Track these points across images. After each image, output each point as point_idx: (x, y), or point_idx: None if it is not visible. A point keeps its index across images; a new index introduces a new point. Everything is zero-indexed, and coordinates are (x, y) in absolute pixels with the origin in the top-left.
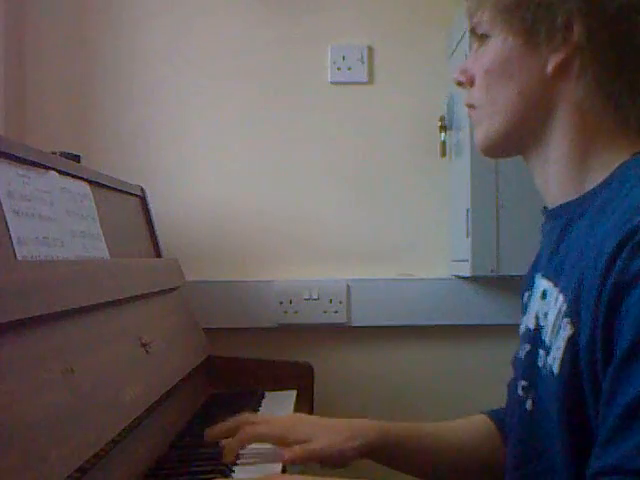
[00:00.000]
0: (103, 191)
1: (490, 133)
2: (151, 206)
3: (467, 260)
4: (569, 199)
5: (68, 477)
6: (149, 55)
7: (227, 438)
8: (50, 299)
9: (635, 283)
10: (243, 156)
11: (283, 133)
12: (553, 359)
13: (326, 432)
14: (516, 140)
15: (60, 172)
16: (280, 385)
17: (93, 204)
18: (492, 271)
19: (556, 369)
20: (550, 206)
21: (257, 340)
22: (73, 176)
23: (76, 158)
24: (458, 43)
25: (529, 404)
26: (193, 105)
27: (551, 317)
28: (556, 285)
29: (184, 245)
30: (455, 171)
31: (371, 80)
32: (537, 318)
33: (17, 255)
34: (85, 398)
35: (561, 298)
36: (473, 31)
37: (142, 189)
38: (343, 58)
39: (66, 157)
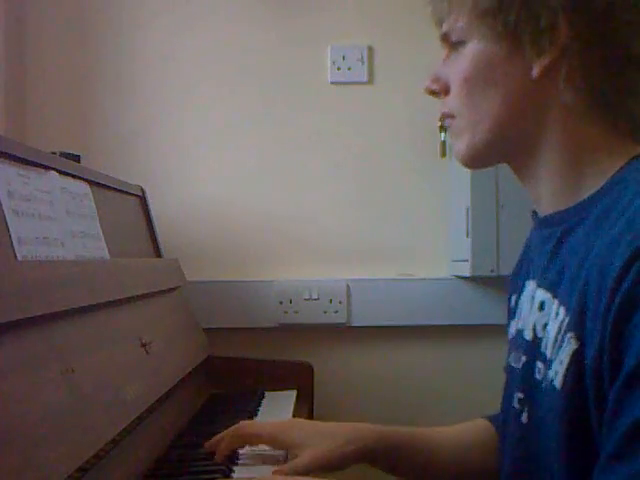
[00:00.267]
0: (103, 191)
1: (473, 143)
2: (151, 206)
3: (467, 260)
4: (564, 206)
5: (68, 477)
6: (149, 55)
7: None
8: (50, 299)
9: None
10: (243, 156)
11: (283, 133)
12: (555, 373)
13: (320, 437)
14: (501, 149)
15: (60, 172)
16: (280, 385)
17: (93, 204)
18: (492, 271)
19: (558, 383)
20: (542, 213)
21: (257, 340)
22: (73, 176)
23: (76, 158)
24: None
25: (525, 417)
26: (193, 105)
27: (552, 330)
28: (555, 296)
29: (184, 245)
30: (455, 171)
31: (371, 80)
32: (534, 329)
33: (17, 255)
34: (85, 398)
35: (562, 311)
36: (445, 37)
37: (142, 189)
38: (343, 58)
39: (66, 157)
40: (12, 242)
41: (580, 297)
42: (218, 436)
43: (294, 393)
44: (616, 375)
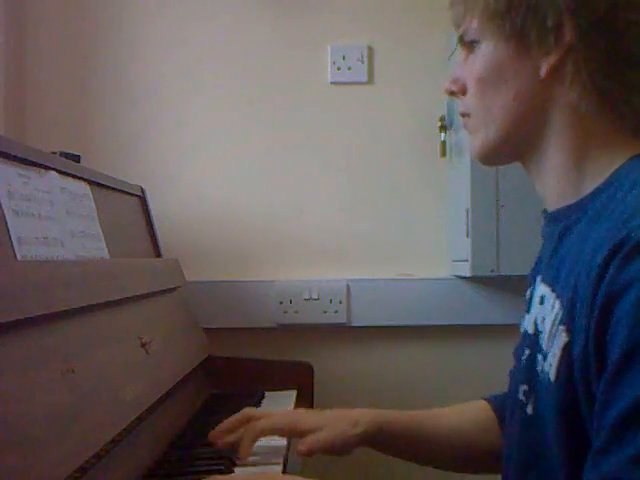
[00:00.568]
0: (103, 191)
1: (487, 141)
2: (151, 206)
3: (467, 260)
4: (568, 203)
5: (68, 477)
6: (149, 55)
7: (231, 435)
8: (50, 299)
9: (625, 292)
10: (243, 156)
11: (283, 133)
12: (550, 366)
13: (331, 421)
14: (513, 146)
15: (60, 172)
16: (280, 385)
17: (93, 204)
18: (492, 271)
19: (552, 376)
20: (550, 209)
21: (257, 340)
22: (73, 176)
23: (76, 158)
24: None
25: (530, 409)
26: (193, 105)
27: (548, 323)
28: (553, 291)
29: (184, 245)
30: (455, 171)
31: (371, 80)
32: (535, 323)
33: (17, 255)
34: (85, 398)
35: (557, 304)
36: (461, 39)
37: (142, 189)
38: (343, 58)
39: (66, 157)
40: (12, 242)
41: (572, 292)
42: (222, 426)
43: (294, 393)
44: (601, 369)
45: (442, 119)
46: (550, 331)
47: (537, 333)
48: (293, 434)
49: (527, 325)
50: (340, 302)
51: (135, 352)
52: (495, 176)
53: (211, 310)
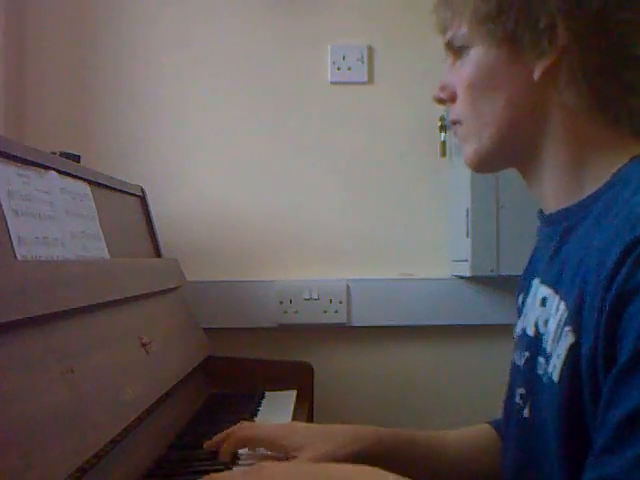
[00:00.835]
0: (103, 191)
1: (479, 149)
2: (151, 206)
3: (467, 260)
4: (567, 205)
5: (68, 477)
6: (149, 55)
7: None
8: (50, 299)
9: (638, 293)
10: (243, 156)
11: (283, 133)
12: (553, 367)
13: (319, 439)
14: (507, 153)
15: (60, 172)
16: (280, 385)
17: (93, 204)
18: (492, 271)
19: (556, 377)
20: (547, 211)
21: (257, 340)
22: (73, 176)
23: (76, 158)
24: None
25: (526, 412)
26: (193, 105)
27: (552, 325)
28: (556, 292)
29: (184, 245)
30: (455, 171)
31: (371, 80)
32: (537, 325)
33: (17, 255)
34: (85, 398)
35: (562, 306)
36: (449, 45)
37: (142, 189)
38: (343, 58)
39: (66, 157)
40: (12, 242)
41: (578, 292)
42: (218, 436)
43: (294, 393)
44: (609, 369)
45: (442, 119)
46: (555, 332)
47: (538, 335)
48: (274, 449)
49: (523, 329)
50: (340, 302)
51: (135, 352)
52: (495, 176)
53: (211, 310)
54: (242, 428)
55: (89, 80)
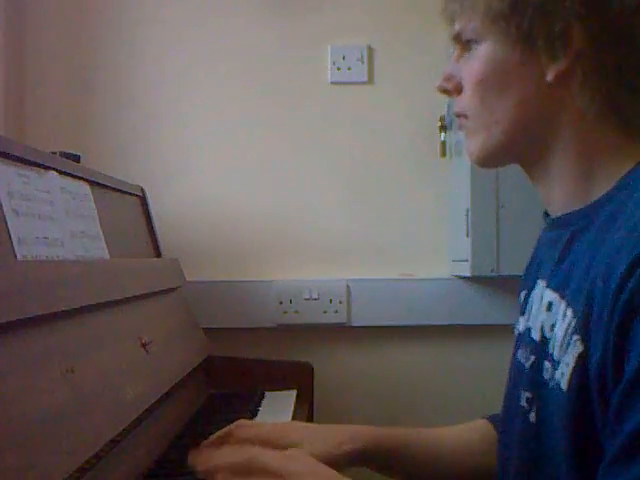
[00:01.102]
0: (103, 191)
1: (487, 144)
2: (151, 206)
3: (467, 260)
4: (574, 208)
5: (68, 477)
6: (149, 55)
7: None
8: (50, 299)
9: None
10: (243, 156)
11: (283, 133)
12: (561, 375)
13: (315, 438)
14: (515, 151)
15: (60, 172)
16: (280, 385)
17: (93, 204)
18: (492, 271)
19: (564, 385)
20: (553, 214)
21: (257, 340)
22: (73, 176)
23: (76, 158)
24: None
25: (533, 416)
26: (193, 105)
27: (559, 331)
28: (563, 297)
29: (184, 245)
30: (455, 171)
31: (371, 80)
32: (542, 330)
33: (17, 255)
34: (85, 398)
35: (570, 313)
36: (457, 36)
37: (142, 189)
38: (343, 58)
39: (66, 157)
40: (12, 242)
41: (586, 301)
42: (217, 435)
43: (294, 393)
44: (619, 380)
45: (442, 119)
46: (563, 340)
47: (544, 340)
48: (272, 448)
49: (526, 329)
50: (340, 302)
51: (135, 352)
52: (495, 176)
53: (211, 310)
54: (240, 427)
55: (89, 80)
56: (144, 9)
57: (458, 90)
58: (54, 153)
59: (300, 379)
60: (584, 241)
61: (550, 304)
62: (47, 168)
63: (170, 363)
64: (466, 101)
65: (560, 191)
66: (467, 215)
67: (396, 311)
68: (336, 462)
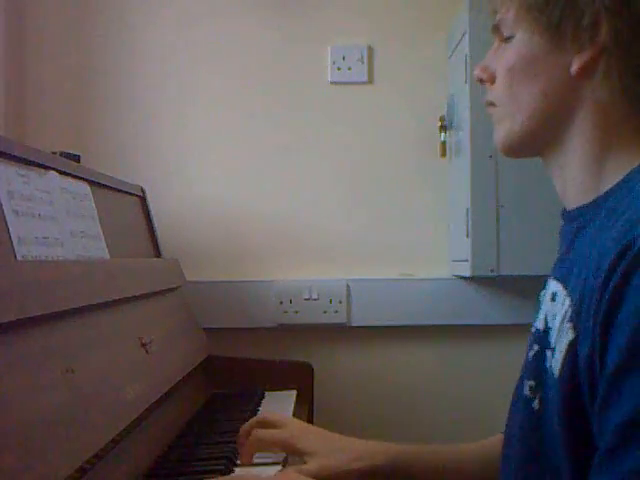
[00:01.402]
0: (103, 191)
1: (511, 132)
2: (151, 206)
3: (467, 260)
4: (585, 202)
5: (68, 477)
6: (149, 55)
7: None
8: (50, 299)
9: (629, 296)
10: (243, 156)
11: (283, 133)
12: (556, 362)
13: (332, 449)
14: (537, 140)
15: (60, 172)
16: (280, 385)
17: (93, 204)
18: (492, 271)
19: (556, 372)
20: (568, 208)
21: (257, 340)
22: (73, 176)
23: (76, 158)
24: (458, 43)
25: (536, 404)
26: (193, 105)
27: (558, 320)
28: (565, 288)
29: (184, 245)
30: (455, 171)
31: (371, 80)
32: (546, 320)
33: (17, 255)
34: (85, 398)
35: (568, 302)
36: (496, 28)
37: (142, 189)
38: (343, 58)
39: (66, 157)
40: (12, 242)
41: (581, 291)
42: (242, 429)
43: (294, 393)
44: (603, 372)
45: (442, 119)
46: (559, 328)
47: (547, 330)
48: (289, 451)
49: (536, 324)
50: (340, 302)
51: (135, 352)
52: (495, 176)
53: (211, 310)
54: (266, 425)
55: (89, 80)
56: (144, 9)
57: (492, 80)
58: (54, 153)
59: (300, 379)
60: (586, 235)
61: (554, 294)
62: (47, 168)
63: (170, 363)
64: (496, 90)
65: (574, 184)
66: (467, 215)
67: (396, 311)
68: (347, 475)
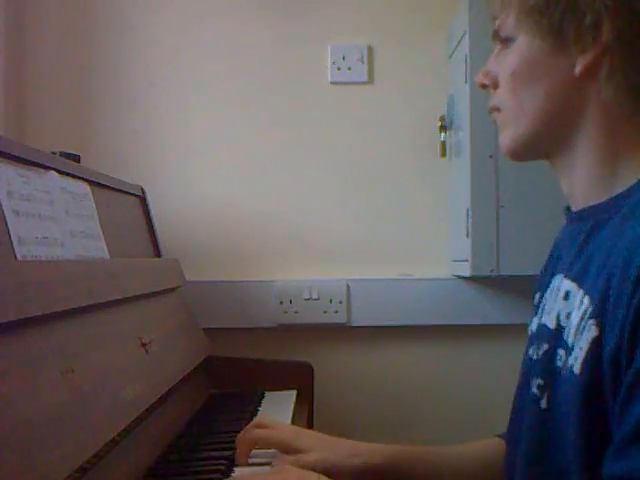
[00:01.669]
0: (103, 191)
1: (517, 137)
2: (151, 206)
3: (467, 260)
4: (596, 201)
5: (68, 477)
6: (149, 55)
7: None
8: (50, 299)
9: None
10: (243, 156)
11: (283, 133)
12: (575, 359)
13: (328, 446)
14: (543, 143)
15: (60, 172)
16: (280, 385)
17: (93, 204)
18: (492, 271)
19: (577, 369)
20: (575, 208)
21: (257, 340)
22: (73, 176)
23: (76, 158)
24: (458, 43)
25: (544, 403)
26: (193, 105)
27: (575, 318)
28: (580, 287)
29: (184, 245)
30: (455, 171)
31: (371, 80)
32: (558, 318)
33: (17, 255)
34: (85, 398)
35: (586, 300)
36: (496, 33)
37: (142, 189)
38: (343, 58)
39: (66, 157)
40: (12, 242)
41: (604, 287)
42: (240, 435)
43: (294, 393)
44: (631, 365)
45: (442, 119)
46: (578, 325)
47: (559, 328)
48: (285, 450)
49: (541, 324)
50: (340, 302)
51: (135, 352)
52: (495, 176)
53: (211, 310)
54: (255, 428)
55: (89, 80)
56: (144, 9)
57: (495, 85)
58: (54, 153)
59: (300, 379)
60: (604, 233)
61: (567, 293)
62: (47, 168)
63: (170, 363)
64: (500, 95)
65: (582, 184)
66: (467, 215)
67: (396, 311)
68: (344, 469)
